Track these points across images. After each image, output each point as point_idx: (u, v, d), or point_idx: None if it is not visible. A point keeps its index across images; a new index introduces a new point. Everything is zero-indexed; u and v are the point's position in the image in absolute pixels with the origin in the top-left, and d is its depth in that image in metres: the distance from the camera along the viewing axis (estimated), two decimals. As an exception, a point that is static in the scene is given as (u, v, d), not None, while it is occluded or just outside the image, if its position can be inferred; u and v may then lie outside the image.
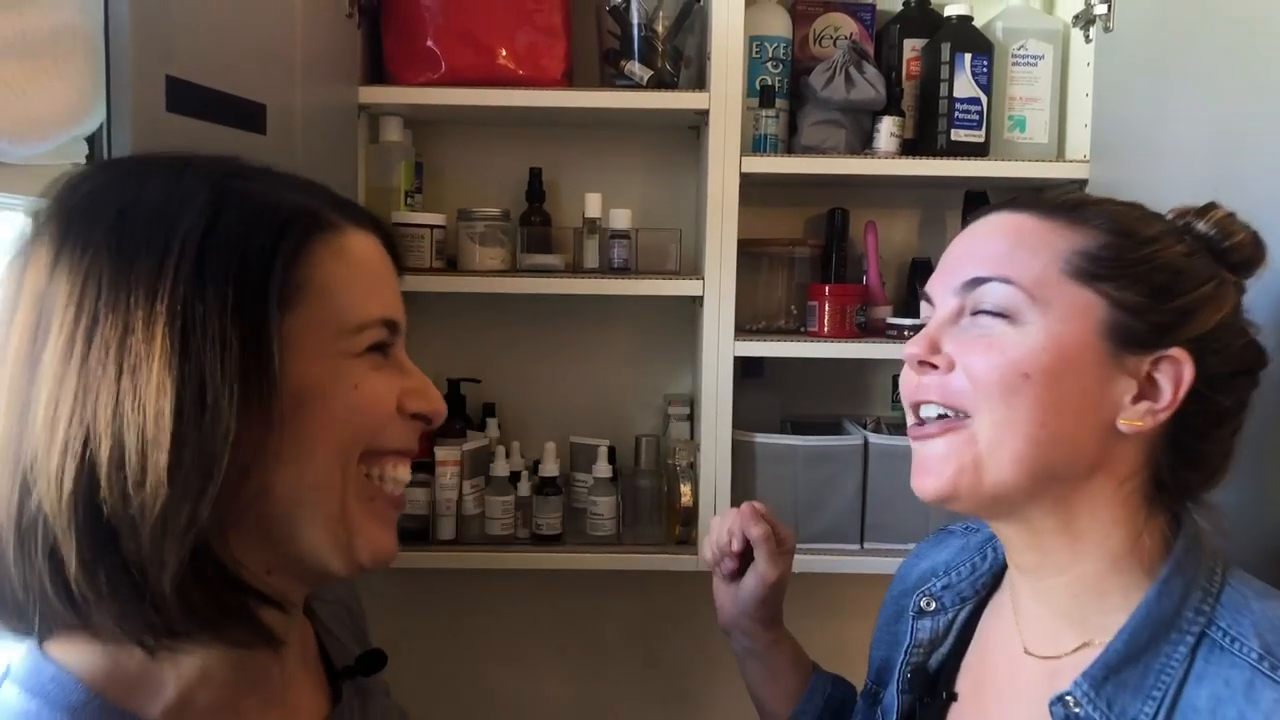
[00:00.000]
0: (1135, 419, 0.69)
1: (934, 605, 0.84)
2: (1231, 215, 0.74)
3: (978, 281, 0.71)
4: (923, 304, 0.77)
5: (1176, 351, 0.69)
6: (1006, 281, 0.70)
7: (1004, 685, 0.77)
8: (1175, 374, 0.69)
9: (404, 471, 0.65)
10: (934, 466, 0.72)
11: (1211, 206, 0.75)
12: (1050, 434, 0.68)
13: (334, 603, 0.79)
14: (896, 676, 0.84)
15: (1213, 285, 0.71)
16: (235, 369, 0.55)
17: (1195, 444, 0.72)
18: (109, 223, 0.56)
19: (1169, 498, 0.73)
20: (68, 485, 0.53)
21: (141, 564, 0.53)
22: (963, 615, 0.83)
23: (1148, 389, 0.69)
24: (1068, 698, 0.68)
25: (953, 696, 0.81)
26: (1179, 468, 0.72)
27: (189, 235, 0.55)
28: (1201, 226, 0.74)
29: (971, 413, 0.70)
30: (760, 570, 0.96)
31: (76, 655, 0.57)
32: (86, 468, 0.53)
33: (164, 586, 0.53)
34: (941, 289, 0.74)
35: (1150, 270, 0.70)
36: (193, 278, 0.55)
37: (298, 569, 0.61)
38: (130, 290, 0.54)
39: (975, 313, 0.71)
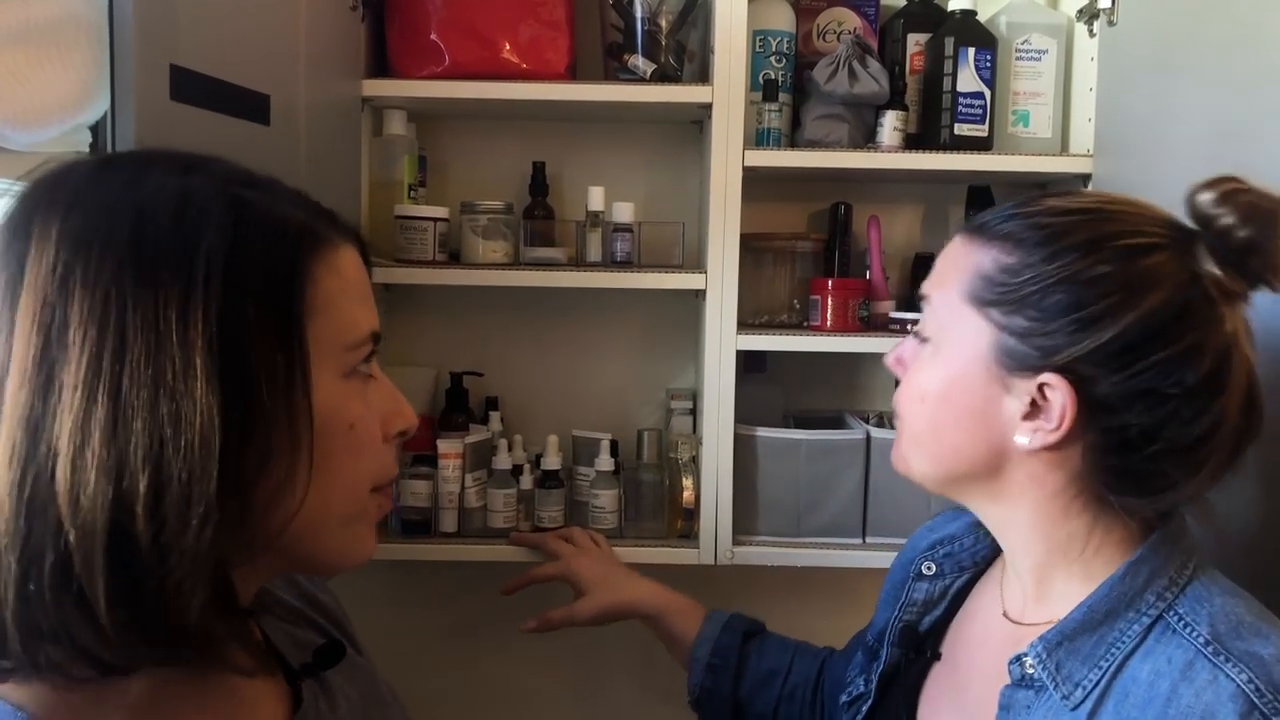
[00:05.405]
0: (1026, 437, 0.71)
1: (934, 570, 0.88)
2: (1235, 191, 0.67)
3: (920, 297, 0.79)
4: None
5: (1050, 377, 0.68)
6: (927, 301, 0.78)
7: (978, 645, 0.82)
8: (1060, 397, 0.68)
9: (392, 488, 0.67)
10: (894, 450, 0.82)
11: (1223, 180, 0.68)
12: (945, 449, 0.75)
13: (284, 597, 0.75)
14: (887, 631, 0.89)
15: (1120, 295, 0.66)
16: (281, 393, 0.54)
17: (1119, 462, 0.70)
18: (125, 235, 0.52)
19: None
20: (101, 519, 0.48)
21: (166, 593, 0.50)
22: (959, 583, 0.88)
23: (1039, 408, 0.70)
24: (1024, 658, 0.72)
25: (936, 656, 0.86)
26: (1114, 484, 0.71)
27: (214, 252, 0.52)
28: (1201, 198, 0.68)
29: (901, 418, 0.80)
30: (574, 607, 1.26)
31: (19, 691, 0.53)
32: (123, 499, 0.49)
33: (190, 616, 0.51)
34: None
35: (1044, 290, 0.68)
36: (225, 299, 0.52)
37: (284, 567, 0.61)
38: (159, 309, 0.50)
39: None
